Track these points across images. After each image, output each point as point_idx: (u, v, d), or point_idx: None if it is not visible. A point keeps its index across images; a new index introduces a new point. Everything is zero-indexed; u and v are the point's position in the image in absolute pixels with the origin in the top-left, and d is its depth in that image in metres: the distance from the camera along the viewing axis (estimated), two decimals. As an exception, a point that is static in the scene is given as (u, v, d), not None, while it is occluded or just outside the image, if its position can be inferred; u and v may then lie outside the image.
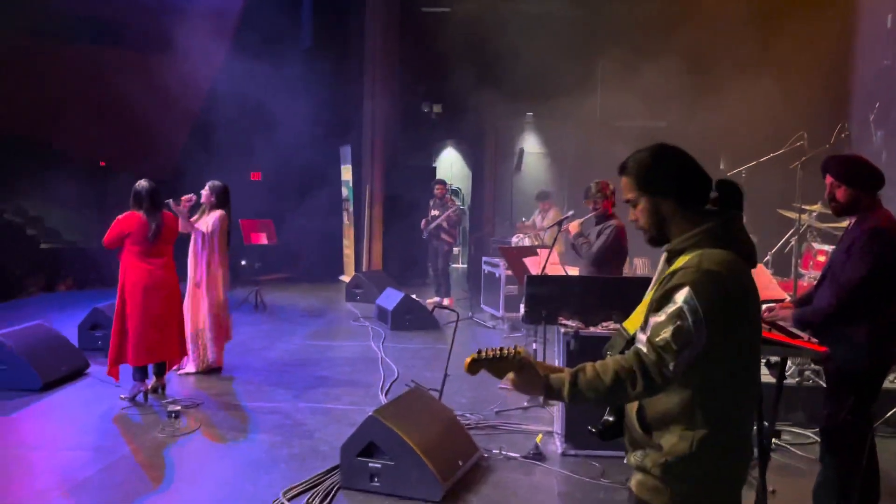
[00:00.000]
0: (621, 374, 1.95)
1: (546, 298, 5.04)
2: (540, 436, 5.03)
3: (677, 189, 2.09)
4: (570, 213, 6.05)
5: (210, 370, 6.76)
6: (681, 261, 2.03)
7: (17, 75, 11.52)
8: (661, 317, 1.97)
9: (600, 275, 5.66)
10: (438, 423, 4.55)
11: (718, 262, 1.99)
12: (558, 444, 4.97)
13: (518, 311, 8.57)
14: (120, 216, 5.80)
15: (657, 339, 1.95)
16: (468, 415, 5.57)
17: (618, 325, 2.29)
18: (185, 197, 6.54)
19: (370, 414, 4.28)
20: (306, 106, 11.77)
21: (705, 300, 1.93)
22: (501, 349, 2.02)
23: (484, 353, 2.02)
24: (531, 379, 2.01)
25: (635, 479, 2.13)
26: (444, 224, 10.60)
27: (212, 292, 6.70)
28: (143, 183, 5.86)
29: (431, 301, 10.43)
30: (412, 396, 4.78)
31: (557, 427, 5.11)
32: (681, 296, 1.95)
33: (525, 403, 5.91)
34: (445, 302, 10.35)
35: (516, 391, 2.05)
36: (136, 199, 5.81)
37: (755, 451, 2.96)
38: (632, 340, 2.13)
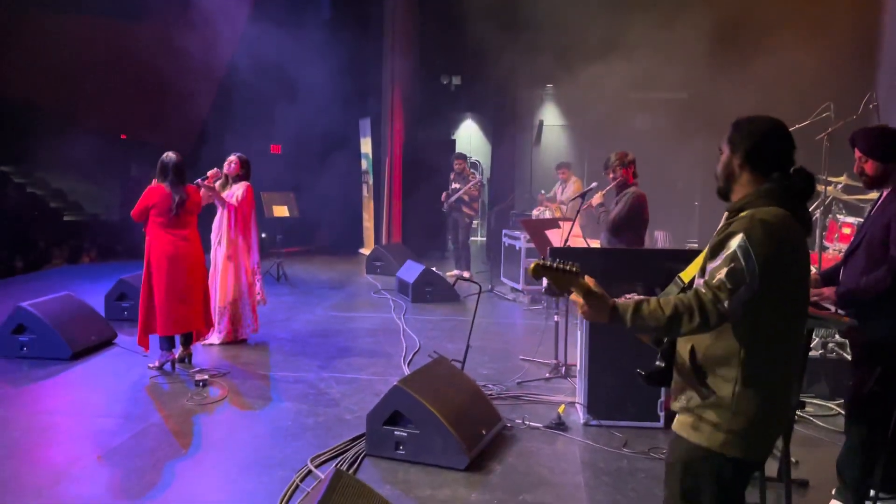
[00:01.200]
0: (680, 308, 2.09)
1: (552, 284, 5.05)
2: (562, 406, 5.07)
3: (751, 151, 2.23)
4: (594, 185, 6.02)
5: (236, 340, 6.85)
6: (744, 214, 2.17)
7: (39, 47, 11.57)
8: (717, 261, 2.12)
9: (619, 242, 5.68)
10: (462, 393, 4.60)
11: (772, 215, 2.13)
12: (580, 414, 5.01)
13: (538, 283, 8.59)
14: (147, 188, 5.86)
15: (713, 281, 2.09)
16: (490, 385, 5.63)
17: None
18: (211, 172, 6.59)
19: (395, 384, 4.33)
20: (326, 79, 11.75)
21: (758, 245, 2.08)
22: (566, 262, 2.13)
23: (549, 262, 2.13)
24: (599, 300, 2.12)
25: (681, 419, 2.27)
26: (465, 197, 10.60)
27: (244, 263, 6.76)
28: (170, 155, 5.92)
29: (452, 273, 10.46)
30: (435, 367, 4.82)
31: (580, 398, 5.15)
32: (735, 241, 2.09)
33: (547, 375, 5.96)
34: (466, 274, 10.38)
35: (582, 311, 2.15)
36: (162, 171, 5.87)
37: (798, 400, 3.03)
38: (686, 289, 2.30)
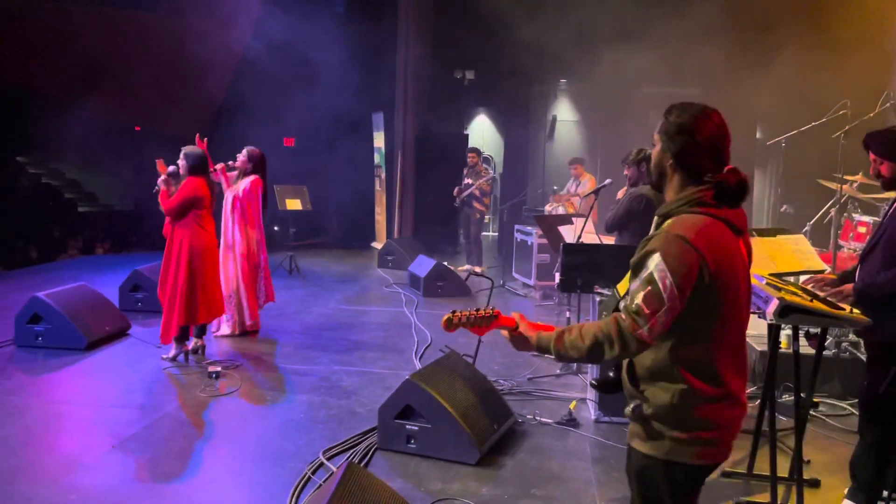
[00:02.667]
0: (599, 337, 2.07)
1: (582, 267, 5.05)
2: (574, 402, 5.07)
3: (680, 154, 2.13)
4: (608, 181, 6.01)
5: (246, 332, 6.89)
6: (665, 226, 2.10)
7: (53, 39, 11.64)
8: (636, 283, 2.07)
9: (619, 242, 5.64)
10: (474, 388, 4.60)
11: (692, 228, 2.05)
12: (591, 410, 5.01)
13: (550, 279, 8.60)
14: (183, 183, 5.89)
15: (632, 305, 2.05)
16: (502, 381, 5.63)
17: None
18: (219, 166, 6.67)
19: (407, 378, 4.34)
20: (339, 72, 11.76)
21: (675, 264, 2.00)
22: (478, 309, 2.28)
23: (459, 314, 2.25)
24: (521, 336, 2.22)
25: (630, 429, 2.28)
26: (476, 192, 10.60)
27: (244, 255, 6.79)
28: (196, 149, 5.99)
29: (463, 268, 10.46)
30: (447, 361, 4.83)
31: (590, 394, 5.15)
32: (652, 261, 2.03)
33: (558, 371, 5.96)
34: (478, 269, 10.39)
35: (512, 346, 2.26)
36: (199, 165, 5.93)
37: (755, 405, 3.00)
38: (621, 299, 2.24)
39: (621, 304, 2.12)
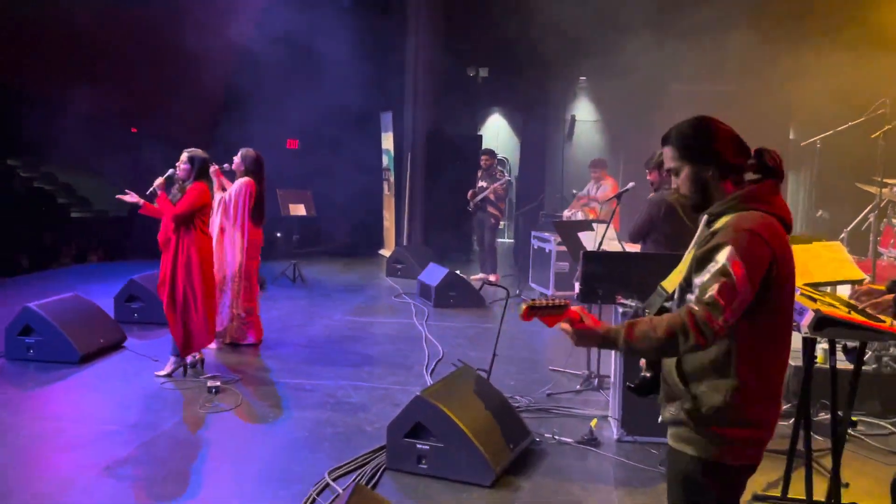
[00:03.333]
0: (675, 329, 2.15)
1: (603, 276, 5.04)
2: (595, 420, 5.06)
3: (717, 156, 2.33)
4: (631, 184, 6.00)
5: (245, 345, 6.92)
6: (720, 222, 2.29)
7: (47, 37, 11.75)
8: (705, 276, 2.19)
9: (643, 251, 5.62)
10: (488, 405, 4.60)
11: (756, 222, 2.23)
12: (614, 429, 5.00)
13: (570, 289, 8.59)
14: (192, 187, 5.92)
15: (705, 297, 2.15)
16: (518, 397, 5.63)
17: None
18: (212, 169, 6.72)
19: (417, 394, 4.35)
20: (345, 69, 11.81)
21: (747, 256, 2.16)
22: (554, 299, 2.28)
23: (538, 302, 2.25)
24: (587, 329, 2.24)
25: (673, 431, 2.36)
26: (491, 196, 10.62)
27: (221, 258, 6.80)
28: (201, 152, 6.06)
29: (477, 277, 10.48)
30: (460, 376, 4.84)
31: (613, 411, 5.13)
32: (723, 254, 2.17)
33: (578, 387, 5.95)
34: (492, 278, 10.40)
35: (573, 340, 2.27)
36: (204, 170, 6.02)
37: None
38: (669, 298, 2.40)
39: (690, 297, 2.21)
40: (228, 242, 6.83)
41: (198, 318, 5.93)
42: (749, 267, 2.15)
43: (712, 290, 2.13)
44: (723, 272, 2.14)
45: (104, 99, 11.96)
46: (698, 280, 2.20)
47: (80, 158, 12.81)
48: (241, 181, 6.85)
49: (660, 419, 2.44)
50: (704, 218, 2.40)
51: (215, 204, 6.78)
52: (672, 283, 2.39)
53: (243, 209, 6.83)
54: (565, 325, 2.26)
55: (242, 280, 6.87)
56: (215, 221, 6.79)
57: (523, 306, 2.24)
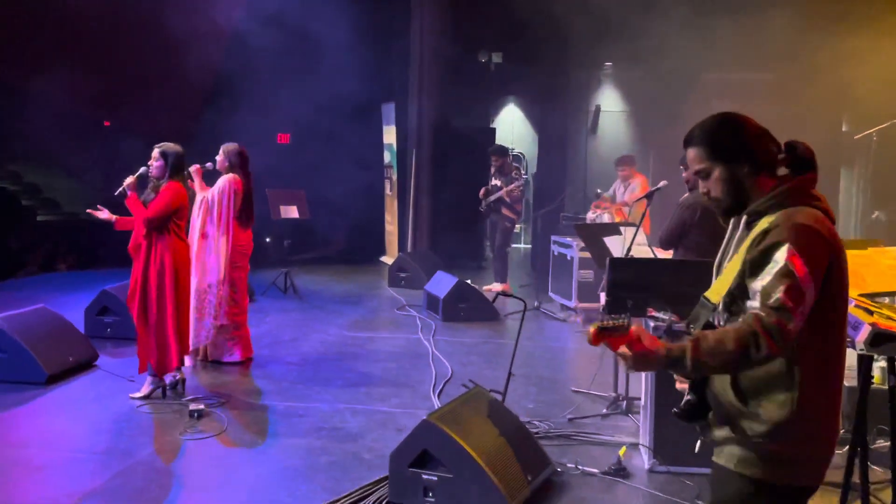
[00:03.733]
0: (744, 339, 2.16)
1: (632, 285, 5.02)
2: (623, 448, 5.04)
3: (750, 152, 2.38)
4: (663, 183, 6.00)
5: (230, 363, 6.92)
6: (764, 222, 2.32)
7: (8, 18, 11.78)
8: (765, 279, 2.22)
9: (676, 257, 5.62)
10: (503, 431, 4.59)
11: (810, 218, 2.28)
12: (645, 458, 4.98)
13: (594, 300, 8.57)
14: (165, 187, 5.92)
15: (771, 301, 2.18)
16: (537, 422, 5.62)
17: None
18: (192, 168, 6.73)
19: (424, 418, 4.34)
20: (342, 57, 11.84)
21: (808, 253, 2.21)
22: (618, 318, 2.24)
23: (607, 323, 2.22)
24: (647, 351, 2.22)
25: (728, 452, 2.37)
26: (506, 198, 10.61)
27: (202, 264, 6.80)
28: (175, 146, 6.03)
29: (490, 287, 10.47)
30: (471, 399, 4.83)
31: (644, 438, 5.11)
32: (781, 253, 2.21)
33: (604, 410, 5.93)
34: (498, 287, 10.40)
35: (630, 366, 2.24)
36: (176, 168, 5.99)
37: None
38: (715, 310, 2.41)
39: (752, 304, 2.23)
40: (211, 247, 6.82)
41: (173, 334, 5.91)
42: (811, 265, 2.19)
43: (778, 293, 2.17)
44: (785, 273, 2.18)
45: (74, 88, 11.98)
46: (757, 284, 2.23)
47: (46, 155, 12.86)
48: (225, 178, 6.86)
49: (698, 444, 2.46)
50: (743, 219, 2.43)
51: (196, 205, 6.79)
52: (717, 292, 2.39)
53: (227, 210, 6.83)
54: (624, 349, 2.23)
55: (227, 289, 6.87)
56: (196, 224, 6.80)
57: (591, 329, 2.21)
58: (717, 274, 2.50)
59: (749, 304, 2.26)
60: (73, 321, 7.20)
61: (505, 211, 10.72)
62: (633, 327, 2.22)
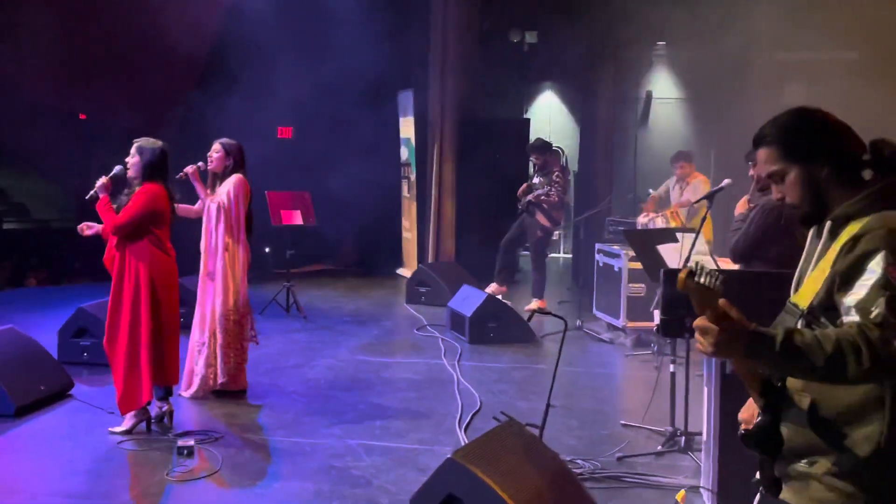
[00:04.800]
0: (845, 346, 2.14)
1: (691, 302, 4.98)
2: (682, 492, 5.01)
3: (833, 151, 2.41)
4: (726, 181, 5.96)
5: (223, 393, 6.95)
6: (853, 228, 2.33)
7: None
8: (860, 292, 2.23)
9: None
10: (541, 472, 4.57)
11: None
12: (707, 503, 4.93)
13: (646, 319, 8.52)
14: (139, 190, 5.95)
15: (873, 316, 2.18)
16: (580, 461, 5.59)
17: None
18: (189, 169, 6.76)
19: (449, 457, 4.32)
20: (353, 39, 11.89)
21: None
22: (713, 274, 2.19)
23: (700, 278, 2.17)
24: (736, 326, 2.17)
25: (800, 489, 2.38)
26: (543, 202, 10.57)
27: (228, 284, 6.87)
28: (154, 142, 6.04)
29: (530, 307, 10.45)
30: (504, 434, 4.81)
31: (706, 480, 5.07)
32: (877, 263, 2.22)
33: (659, 447, 5.89)
34: (535, 304, 10.37)
35: (711, 343, 2.17)
36: (154, 166, 6.00)
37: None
38: (803, 316, 2.40)
39: (851, 319, 2.23)
40: (230, 263, 6.90)
41: (147, 363, 5.89)
42: None
43: (879, 308, 2.17)
44: (884, 284, 2.19)
45: (43, 74, 12.07)
46: (850, 299, 2.24)
47: (12, 154, 12.98)
48: (235, 180, 6.88)
49: (757, 476, 2.46)
50: (827, 226, 2.44)
51: (207, 215, 6.82)
52: (804, 297, 2.40)
53: (240, 217, 6.89)
54: (704, 322, 2.18)
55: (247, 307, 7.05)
56: (216, 237, 6.84)
57: (681, 274, 2.19)
58: (796, 291, 2.50)
59: (845, 319, 2.27)
60: (45, 344, 7.27)
61: (540, 216, 10.69)
62: (723, 300, 2.18)
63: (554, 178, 10.67)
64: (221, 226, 6.85)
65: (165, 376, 6.09)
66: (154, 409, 6.14)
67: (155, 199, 5.94)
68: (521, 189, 10.88)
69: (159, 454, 5.71)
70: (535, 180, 10.80)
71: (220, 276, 6.85)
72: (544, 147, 11.09)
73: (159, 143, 6.07)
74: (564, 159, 15.94)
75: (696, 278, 2.17)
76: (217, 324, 6.86)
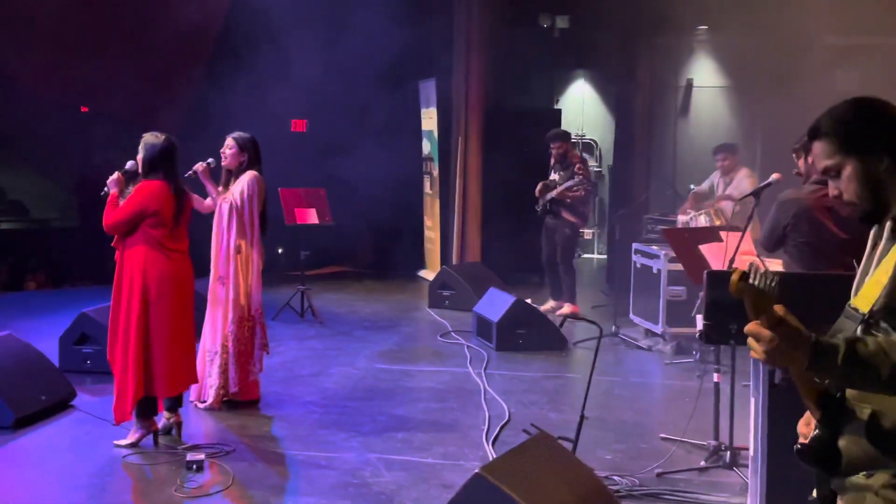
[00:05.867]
0: None
1: (738, 307, 4.97)
2: (727, 511, 5.00)
3: (893, 142, 2.38)
4: (774, 176, 5.93)
5: (237, 403, 6.99)
6: None
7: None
8: None
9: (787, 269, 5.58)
10: (575, 489, 4.57)
11: None
12: (755, 523, 4.92)
13: (687, 325, 8.47)
14: (136, 188, 6.00)
15: None
16: (617, 477, 5.58)
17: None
18: (199, 166, 6.76)
19: (476, 471, 4.33)
20: (372, 25, 11.90)
21: None
22: (768, 276, 2.18)
23: (754, 277, 2.17)
24: (795, 330, 2.18)
25: (866, 503, 2.36)
26: (567, 197, 10.52)
27: (241, 289, 6.90)
28: (157, 137, 6.05)
29: (554, 307, 10.42)
30: (534, 448, 4.81)
31: (753, 498, 5.05)
32: None
33: (702, 463, 5.87)
34: (566, 309, 10.35)
35: (766, 351, 2.18)
36: (154, 161, 6.00)
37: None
38: (864, 321, 2.37)
39: None
40: (242, 266, 6.94)
41: (134, 371, 5.88)
42: None
43: None
44: None
45: (43, 66, 12.14)
46: None
47: (10, 150, 13.07)
48: (250, 177, 6.90)
49: (814, 494, 2.47)
50: (888, 225, 2.44)
51: (219, 215, 6.85)
52: (865, 301, 2.38)
53: (255, 217, 6.91)
54: (758, 328, 2.19)
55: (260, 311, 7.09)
56: (227, 238, 6.87)
57: (734, 276, 2.17)
58: (856, 293, 2.49)
59: None
60: (46, 352, 7.31)
61: (565, 214, 10.61)
62: (779, 305, 2.18)
63: (576, 170, 10.57)
64: (234, 227, 6.87)
65: (154, 386, 5.99)
66: (161, 421, 6.18)
67: (149, 196, 5.93)
68: (537, 189, 10.78)
69: (167, 468, 5.75)
70: (554, 176, 10.72)
71: (232, 280, 6.88)
72: (567, 135, 11.04)
73: (162, 136, 6.06)
74: (598, 152, 15.97)
75: (750, 281, 2.16)
76: (230, 331, 6.89)
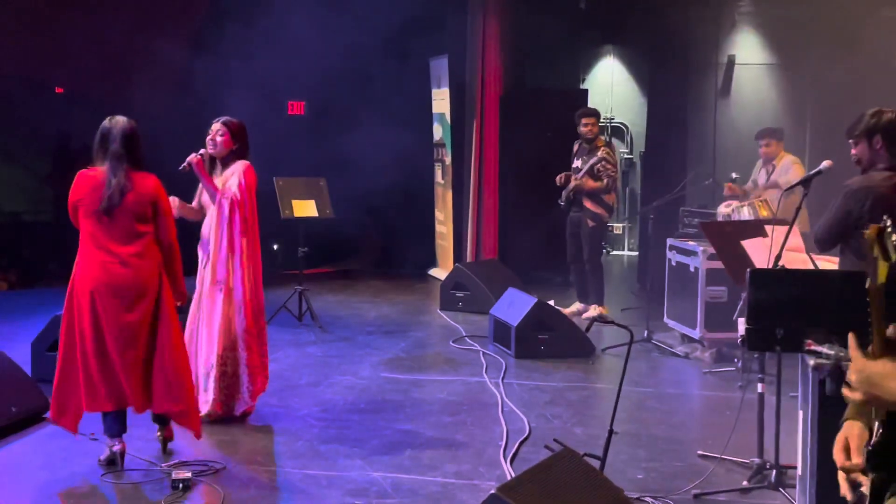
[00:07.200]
0: None
1: (784, 308, 4.96)
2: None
3: None
4: (825, 164, 5.91)
5: (230, 418, 6.99)
6: None
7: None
8: None
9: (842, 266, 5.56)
10: (603, 511, 4.58)
11: None
12: (803, 550, 4.92)
13: (728, 329, 8.46)
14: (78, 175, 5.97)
15: None
16: (649, 498, 5.59)
17: None
18: (192, 158, 6.74)
19: (493, 492, 4.34)
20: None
21: None
22: None
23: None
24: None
25: None
26: (586, 186, 10.48)
27: (247, 293, 6.91)
28: (117, 119, 5.97)
29: (580, 310, 10.40)
30: (557, 465, 4.82)
31: (801, 523, 5.05)
32: None
33: (745, 483, 5.86)
34: (594, 311, 10.33)
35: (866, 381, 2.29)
36: (93, 148, 5.97)
37: None
38: None
39: None
40: (248, 267, 6.94)
41: (59, 376, 5.91)
42: None
43: None
44: None
45: (9, 39, 12.14)
46: None
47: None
48: (244, 167, 6.90)
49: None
50: None
51: (223, 209, 6.80)
52: None
53: (253, 211, 6.92)
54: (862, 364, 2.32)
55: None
56: (230, 237, 6.84)
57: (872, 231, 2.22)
58: None
59: None
60: (17, 359, 7.34)
61: (588, 204, 10.56)
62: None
63: (601, 154, 10.52)
64: (237, 224, 6.85)
65: (80, 402, 5.94)
66: (116, 445, 5.99)
67: (73, 186, 5.90)
68: (559, 178, 10.73)
69: (150, 488, 5.75)
70: (577, 163, 10.67)
71: (238, 283, 6.86)
72: (595, 113, 10.99)
73: (117, 118, 5.98)
74: (628, 137, 15.95)
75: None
76: (239, 341, 6.87)
